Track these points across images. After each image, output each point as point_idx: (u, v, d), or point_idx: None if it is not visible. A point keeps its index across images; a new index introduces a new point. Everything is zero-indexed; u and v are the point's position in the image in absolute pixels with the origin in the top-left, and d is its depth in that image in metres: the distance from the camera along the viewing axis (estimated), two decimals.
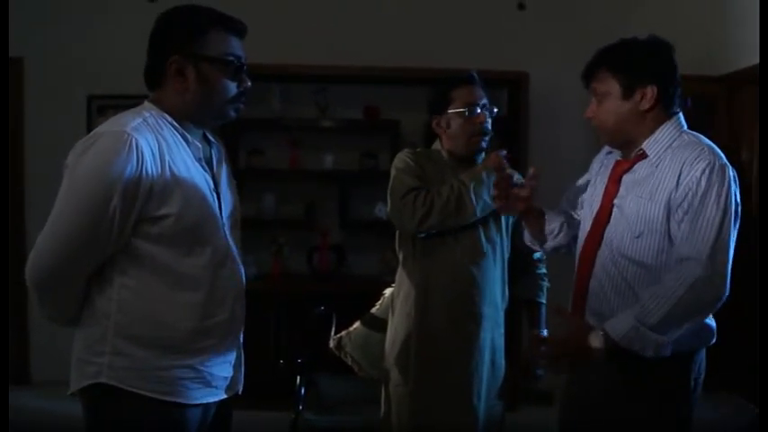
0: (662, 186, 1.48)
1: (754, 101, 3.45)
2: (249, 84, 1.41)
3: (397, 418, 1.90)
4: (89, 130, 3.54)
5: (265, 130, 3.70)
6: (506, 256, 1.97)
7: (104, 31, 3.61)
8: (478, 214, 1.86)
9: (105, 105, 3.54)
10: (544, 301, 2.06)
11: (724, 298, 1.42)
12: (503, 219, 1.95)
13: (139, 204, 1.27)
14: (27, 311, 3.65)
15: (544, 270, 2.09)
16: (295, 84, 3.66)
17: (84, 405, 1.35)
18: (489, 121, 1.95)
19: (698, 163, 1.44)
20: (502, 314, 1.95)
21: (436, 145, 2.03)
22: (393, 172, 1.96)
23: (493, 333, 1.92)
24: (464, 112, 1.91)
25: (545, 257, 2.08)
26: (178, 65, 1.32)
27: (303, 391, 2.47)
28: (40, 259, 1.28)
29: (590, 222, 1.64)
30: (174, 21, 1.35)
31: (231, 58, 1.35)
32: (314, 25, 3.63)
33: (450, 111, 1.94)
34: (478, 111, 1.92)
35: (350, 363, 2.09)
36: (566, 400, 1.70)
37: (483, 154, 2.01)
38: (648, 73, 1.51)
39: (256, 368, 2.10)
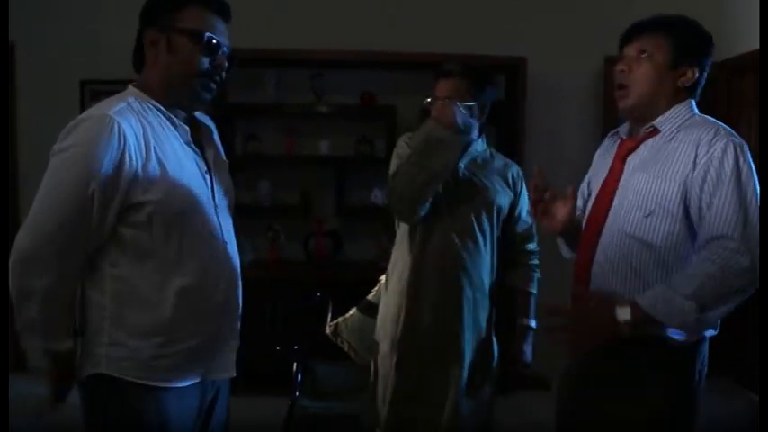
0: (675, 165, 1.44)
1: (754, 87, 3.44)
2: (225, 65, 1.38)
3: (383, 386, 1.93)
4: None
5: (261, 116, 3.68)
6: (496, 245, 1.97)
7: (97, 14, 3.56)
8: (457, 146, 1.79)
9: (98, 90, 3.50)
10: (535, 291, 2.06)
11: (757, 282, 1.35)
12: (494, 210, 1.94)
13: (123, 189, 1.25)
14: None
15: (536, 261, 2.08)
16: (291, 69, 3.63)
17: (84, 396, 1.35)
18: (458, 115, 1.87)
19: (717, 142, 1.41)
20: (487, 301, 1.96)
21: None
22: (394, 160, 1.95)
23: (478, 316, 1.93)
24: (428, 106, 1.90)
25: (538, 249, 2.08)
26: (152, 37, 1.33)
27: (299, 377, 2.48)
28: (25, 251, 1.25)
29: (592, 204, 1.60)
30: None
31: (204, 33, 1.33)
32: (310, 10, 3.59)
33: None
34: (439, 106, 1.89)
35: (346, 349, 2.09)
36: (564, 388, 1.67)
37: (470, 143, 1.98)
38: (698, 55, 1.51)
39: (253, 354, 2.09)
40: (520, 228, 2.03)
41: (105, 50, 3.46)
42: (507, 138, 3.55)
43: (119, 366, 1.30)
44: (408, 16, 3.61)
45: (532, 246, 2.07)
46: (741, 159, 1.39)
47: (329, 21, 3.59)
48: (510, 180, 2.01)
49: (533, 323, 2.03)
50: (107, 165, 1.22)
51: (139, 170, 1.26)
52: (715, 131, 1.43)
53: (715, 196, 1.38)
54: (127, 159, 1.24)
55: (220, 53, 1.35)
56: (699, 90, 1.56)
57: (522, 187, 2.04)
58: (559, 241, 1.78)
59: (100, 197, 1.23)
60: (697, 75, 1.52)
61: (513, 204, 2.01)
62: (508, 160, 2.06)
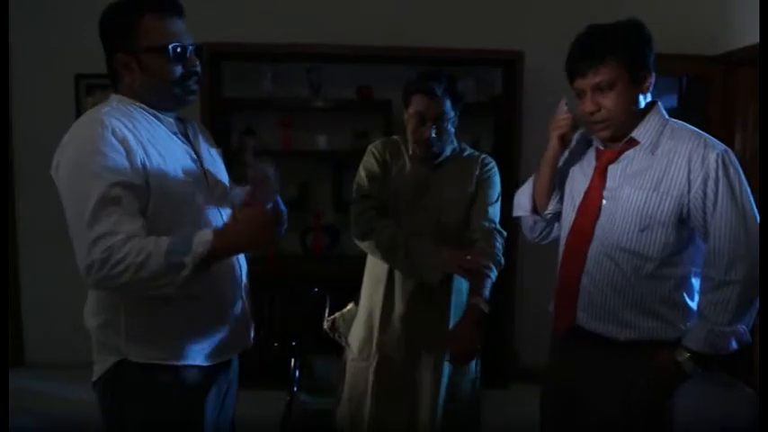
0: (668, 178, 1.45)
1: (751, 82, 3.44)
2: (197, 64, 1.41)
3: (350, 389, 1.97)
4: (77, 109, 3.52)
5: (257, 110, 3.66)
6: None
7: (92, 8, 3.53)
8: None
9: (93, 84, 3.48)
10: None
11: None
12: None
13: (141, 175, 1.28)
14: (20, 292, 3.63)
15: None
16: (287, 64, 3.61)
17: (104, 386, 1.37)
18: (434, 134, 1.88)
19: (708, 154, 1.42)
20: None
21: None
22: (362, 171, 1.99)
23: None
24: (410, 120, 1.92)
25: None
26: (122, 61, 1.37)
27: (297, 372, 2.48)
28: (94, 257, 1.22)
29: (573, 216, 1.59)
30: (108, 20, 1.40)
31: (169, 44, 1.35)
32: (306, 4, 3.57)
33: (407, 112, 1.94)
34: (423, 124, 1.89)
35: (344, 344, 2.10)
36: (550, 386, 1.69)
37: (444, 151, 1.97)
38: (647, 57, 1.48)
39: (250, 350, 2.08)
40: (481, 216, 1.96)
41: (100, 45, 3.43)
42: (504, 132, 3.55)
43: (135, 350, 1.33)
44: (405, 10, 3.59)
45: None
46: (734, 169, 1.43)
47: (325, 15, 3.57)
48: (476, 171, 1.98)
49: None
50: (117, 157, 1.26)
51: (145, 159, 1.30)
52: (703, 142, 1.44)
53: (718, 211, 1.41)
54: (132, 146, 1.28)
55: (189, 54, 1.39)
56: (651, 88, 1.53)
57: (488, 174, 1.99)
58: (520, 194, 1.79)
59: (126, 189, 1.25)
60: (653, 76, 1.49)
61: (476, 193, 1.97)
62: (475, 153, 2.04)
